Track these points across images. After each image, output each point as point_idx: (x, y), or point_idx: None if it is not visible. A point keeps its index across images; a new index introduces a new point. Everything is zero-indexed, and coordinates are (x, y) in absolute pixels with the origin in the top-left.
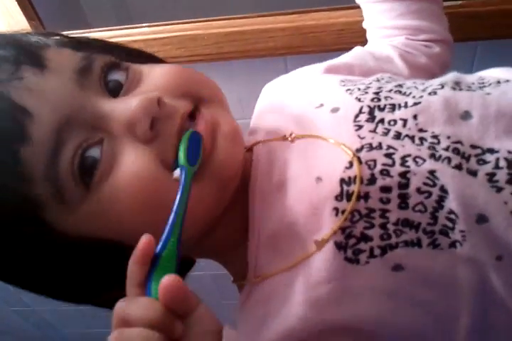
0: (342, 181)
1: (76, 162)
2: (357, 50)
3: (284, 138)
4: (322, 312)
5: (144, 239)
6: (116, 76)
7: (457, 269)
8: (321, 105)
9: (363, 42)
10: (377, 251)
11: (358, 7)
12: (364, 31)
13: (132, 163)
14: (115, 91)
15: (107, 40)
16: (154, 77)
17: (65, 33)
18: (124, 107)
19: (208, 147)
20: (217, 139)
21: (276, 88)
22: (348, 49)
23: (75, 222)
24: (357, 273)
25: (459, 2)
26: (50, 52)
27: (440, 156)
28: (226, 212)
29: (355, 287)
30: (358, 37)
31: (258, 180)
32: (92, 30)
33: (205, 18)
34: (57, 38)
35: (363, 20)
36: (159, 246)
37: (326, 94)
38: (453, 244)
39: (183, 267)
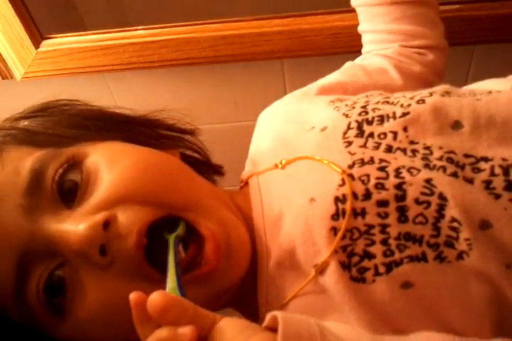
0: (336, 199)
1: (42, 293)
2: (348, 65)
3: (276, 166)
4: None
5: (133, 297)
6: (72, 176)
7: (468, 282)
8: (312, 128)
9: (359, 45)
10: (382, 269)
11: (354, 11)
12: (360, 35)
13: (94, 293)
14: (71, 193)
15: (77, 110)
16: (109, 181)
17: (60, 35)
18: (73, 233)
19: (221, 262)
20: (231, 256)
21: (271, 114)
22: (345, 52)
23: (65, 333)
24: (366, 291)
25: (456, 6)
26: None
27: (435, 166)
28: None
29: (364, 304)
30: (354, 40)
31: (264, 213)
32: (87, 32)
33: (201, 21)
34: (14, 132)
35: (358, 23)
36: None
37: (316, 117)
38: (460, 256)
39: None
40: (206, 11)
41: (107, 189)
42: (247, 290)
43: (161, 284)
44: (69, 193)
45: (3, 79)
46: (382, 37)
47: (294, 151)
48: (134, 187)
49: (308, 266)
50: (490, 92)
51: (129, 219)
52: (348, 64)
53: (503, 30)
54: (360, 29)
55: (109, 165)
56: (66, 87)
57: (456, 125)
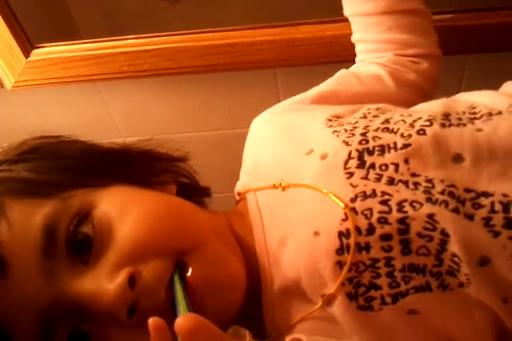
0: (340, 234)
1: None
2: (342, 73)
3: (275, 186)
4: None
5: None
6: (84, 228)
7: (471, 308)
8: (311, 151)
9: (353, 54)
10: (388, 299)
11: (347, 20)
12: (353, 44)
13: None
14: (84, 247)
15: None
16: (125, 236)
17: (50, 44)
18: (105, 294)
19: (207, 304)
20: (206, 296)
21: (264, 124)
22: (338, 61)
23: None
24: (373, 319)
25: (449, 15)
26: (3, 225)
27: (437, 200)
28: None
29: (373, 331)
30: (347, 49)
31: (266, 238)
32: (77, 42)
33: (193, 30)
34: (10, 183)
35: (351, 33)
36: None
37: (313, 138)
38: (461, 284)
39: None
40: (198, 20)
41: (125, 244)
42: (251, 311)
43: None
44: (83, 247)
45: None
46: (375, 46)
47: (293, 175)
48: (149, 239)
49: (315, 296)
50: (490, 115)
51: (154, 275)
52: (342, 72)
53: (496, 39)
54: (353, 38)
55: (120, 216)
56: (58, 96)
57: (457, 158)
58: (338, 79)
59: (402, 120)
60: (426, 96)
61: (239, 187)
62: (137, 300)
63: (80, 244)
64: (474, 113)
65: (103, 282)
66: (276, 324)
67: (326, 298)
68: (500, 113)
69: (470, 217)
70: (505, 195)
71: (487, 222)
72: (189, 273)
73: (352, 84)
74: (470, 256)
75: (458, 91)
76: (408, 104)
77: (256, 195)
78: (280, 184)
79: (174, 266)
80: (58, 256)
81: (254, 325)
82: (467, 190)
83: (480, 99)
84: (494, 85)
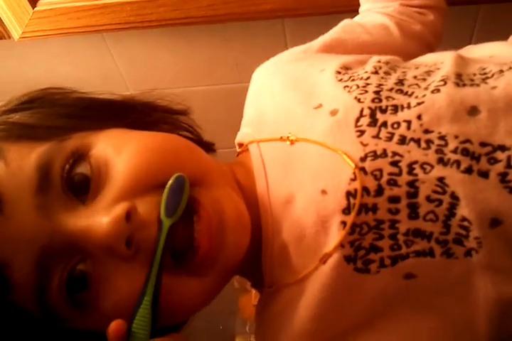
0: (348, 194)
1: (64, 290)
2: (346, 23)
3: (282, 139)
4: (330, 325)
5: (113, 326)
6: (81, 168)
7: (473, 277)
8: (320, 106)
9: (359, 4)
10: (387, 261)
11: None
12: None
13: (120, 285)
14: (82, 187)
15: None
16: (122, 170)
17: None
18: (99, 228)
19: (214, 243)
20: (226, 234)
21: (269, 74)
22: (346, 11)
23: (90, 325)
24: (368, 281)
25: None
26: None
27: (449, 160)
28: None
29: (367, 295)
30: None
31: (270, 191)
32: None
33: None
34: (8, 127)
35: None
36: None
37: (323, 92)
38: (468, 253)
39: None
40: None
41: (122, 179)
42: (250, 264)
43: (168, 274)
44: (80, 187)
45: (0, 39)
46: None
47: (301, 129)
48: (146, 173)
49: (317, 254)
50: (501, 72)
51: (148, 208)
52: (346, 21)
53: None
54: None
55: (117, 153)
56: (65, 47)
57: (473, 111)
58: (343, 28)
59: (417, 84)
60: (430, 50)
61: (240, 137)
62: (132, 234)
63: (77, 184)
64: (485, 73)
65: (99, 216)
66: (273, 278)
67: (323, 256)
68: (511, 68)
69: (484, 174)
70: None
71: (503, 177)
72: (199, 208)
73: (358, 33)
74: (481, 218)
75: (469, 43)
76: (413, 57)
77: (260, 147)
78: (288, 137)
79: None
80: (53, 193)
81: (253, 279)
82: (483, 144)
83: (490, 51)
84: (506, 36)
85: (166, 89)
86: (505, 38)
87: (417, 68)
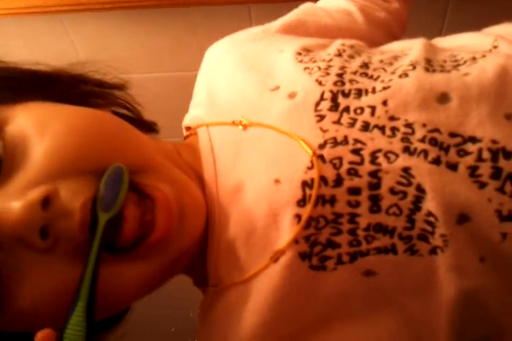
0: (304, 184)
1: None
2: (307, 6)
3: (234, 123)
4: (282, 329)
5: (40, 336)
6: None
7: (437, 277)
8: (277, 88)
9: None
10: (345, 258)
11: None
12: None
13: (36, 280)
14: None
15: None
16: (44, 150)
17: None
18: (7, 214)
19: (174, 225)
20: (185, 217)
21: (224, 53)
22: None
23: (4, 325)
24: (324, 279)
25: None
26: None
27: (415, 150)
28: None
29: (323, 294)
30: None
31: (218, 179)
32: None
33: None
34: None
35: None
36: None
37: (281, 73)
38: (433, 251)
39: (113, 318)
40: None
41: (44, 159)
42: (196, 259)
43: (106, 265)
44: None
45: None
46: None
47: (255, 113)
48: (74, 155)
49: (267, 251)
50: (474, 59)
51: (73, 194)
52: (308, 4)
53: None
54: None
55: (39, 131)
56: (21, 28)
57: (443, 98)
58: (305, 11)
59: (383, 68)
60: (394, 39)
61: (188, 120)
62: (50, 223)
63: None
64: (456, 60)
65: (10, 201)
66: (219, 277)
67: (274, 254)
68: (484, 56)
69: (453, 167)
70: (494, 142)
71: (473, 171)
72: (151, 191)
73: (320, 16)
74: (448, 214)
75: (439, 34)
76: (378, 45)
77: (209, 131)
78: (241, 121)
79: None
80: None
81: (197, 277)
82: (452, 135)
83: (461, 41)
84: (476, 27)
85: (125, 74)
86: (476, 28)
87: (383, 53)
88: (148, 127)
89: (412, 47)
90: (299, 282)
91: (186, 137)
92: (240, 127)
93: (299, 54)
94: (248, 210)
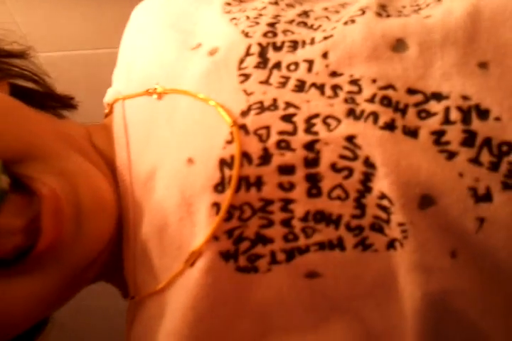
0: (222, 163)
1: None
2: None
3: (148, 92)
4: None
5: None
6: None
7: (399, 276)
8: (199, 45)
9: None
10: (281, 256)
11: None
12: None
13: None
14: None
15: None
16: None
17: None
18: None
19: (67, 229)
20: (82, 219)
21: (147, 13)
22: None
23: None
24: (256, 283)
25: None
26: None
27: (362, 112)
28: None
29: (257, 302)
30: None
31: (132, 165)
32: None
33: None
34: None
35: None
36: None
37: (204, 28)
38: (391, 244)
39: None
40: None
41: None
42: (115, 261)
43: None
44: None
45: None
46: None
47: (173, 77)
48: None
49: (183, 252)
50: (439, 1)
51: None
52: None
53: None
54: None
55: None
56: None
57: (399, 45)
58: None
59: (326, 16)
60: None
61: (109, 95)
62: None
63: None
64: (418, 5)
65: None
66: (137, 286)
67: (190, 256)
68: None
69: (412, 133)
70: (465, 98)
71: (438, 137)
72: (36, 185)
73: None
74: (406, 195)
75: None
76: None
77: (124, 106)
78: (155, 89)
79: None
80: None
81: (120, 287)
82: (411, 91)
83: None
84: None
85: (73, 50)
86: None
87: (330, 1)
88: (62, 102)
89: None
90: (224, 289)
91: (106, 116)
92: (155, 96)
93: (228, 4)
94: (160, 201)
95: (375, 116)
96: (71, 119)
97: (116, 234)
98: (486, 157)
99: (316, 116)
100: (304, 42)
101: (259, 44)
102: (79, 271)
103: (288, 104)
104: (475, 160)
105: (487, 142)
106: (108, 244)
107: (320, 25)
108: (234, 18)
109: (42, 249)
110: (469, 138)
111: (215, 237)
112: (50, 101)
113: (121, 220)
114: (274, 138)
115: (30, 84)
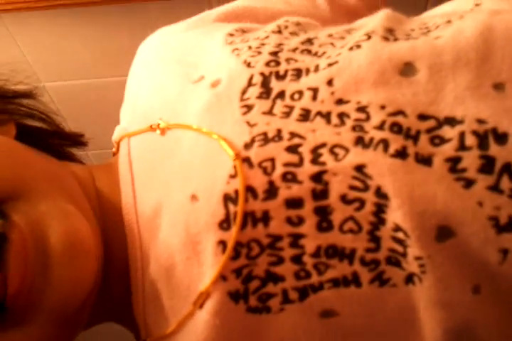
0: (226, 199)
1: None
2: None
3: (152, 128)
4: None
5: None
6: None
7: (418, 312)
8: (201, 78)
9: None
10: (293, 295)
11: None
12: None
13: None
14: None
15: None
16: None
17: None
18: None
19: (28, 280)
20: (50, 266)
21: (151, 50)
22: None
23: None
24: (269, 324)
25: None
26: None
27: (371, 140)
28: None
29: None
30: None
31: (137, 203)
32: None
33: None
34: None
35: None
36: None
37: (207, 61)
38: (409, 279)
39: None
40: None
41: None
42: (121, 303)
43: None
44: None
45: None
46: None
47: (176, 112)
48: None
49: (189, 293)
50: (449, 22)
51: None
52: None
53: None
54: None
55: None
56: None
57: (408, 69)
58: None
59: (331, 43)
60: None
61: (116, 133)
62: None
63: None
64: (427, 27)
65: None
66: (148, 328)
67: (198, 297)
68: (462, 17)
69: (425, 161)
70: (480, 121)
71: (454, 164)
72: (11, 228)
73: (273, 2)
74: (421, 227)
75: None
76: None
77: (130, 143)
78: (158, 125)
79: None
80: None
81: (132, 329)
82: (423, 117)
83: (441, 10)
84: None
85: (82, 79)
86: None
87: (335, 27)
88: (72, 140)
89: (371, 20)
90: (235, 331)
91: (114, 154)
92: (158, 132)
93: (231, 35)
94: (165, 240)
95: (385, 143)
96: (76, 162)
97: (106, 274)
98: (506, 184)
99: (323, 145)
100: (307, 70)
101: (262, 74)
102: (70, 315)
103: (293, 135)
104: (494, 188)
105: (507, 168)
106: (96, 285)
107: (324, 52)
108: (236, 49)
109: (11, 293)
110: (487, 165)
111: (222, 277)
112: (58, 139)
113: (110, 261)
114: (279, 170)
115: (38, 123)
